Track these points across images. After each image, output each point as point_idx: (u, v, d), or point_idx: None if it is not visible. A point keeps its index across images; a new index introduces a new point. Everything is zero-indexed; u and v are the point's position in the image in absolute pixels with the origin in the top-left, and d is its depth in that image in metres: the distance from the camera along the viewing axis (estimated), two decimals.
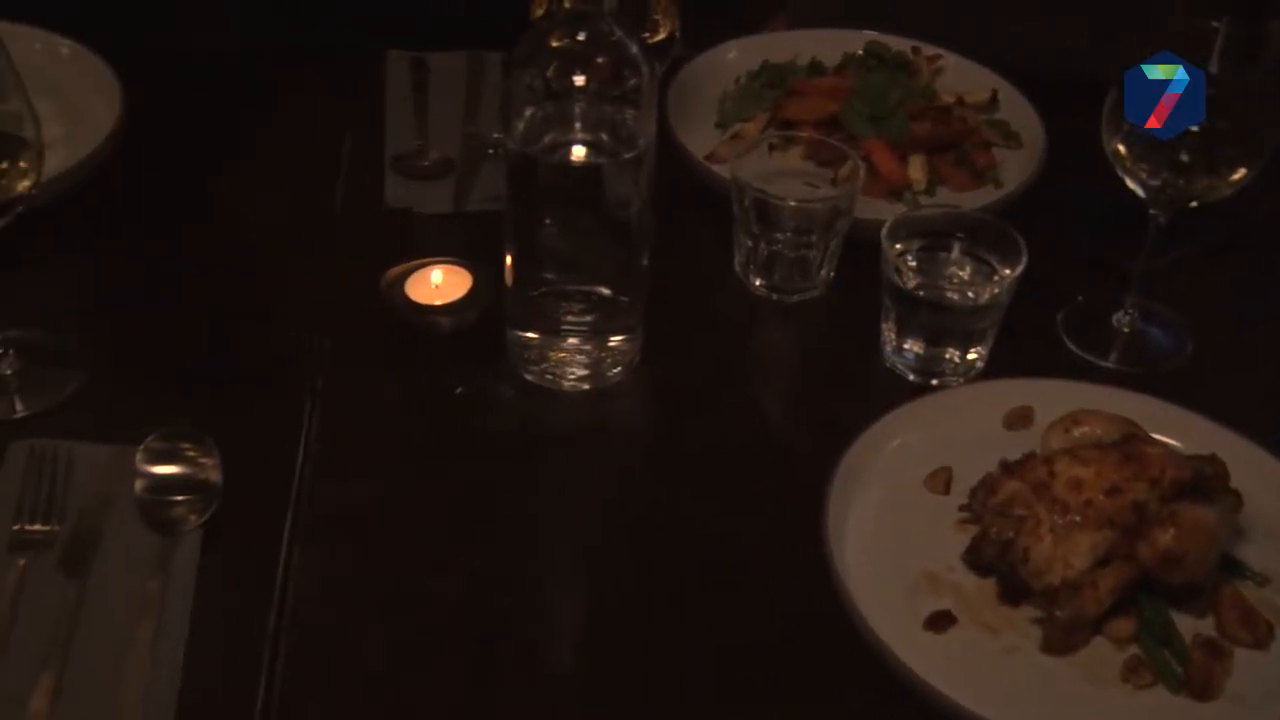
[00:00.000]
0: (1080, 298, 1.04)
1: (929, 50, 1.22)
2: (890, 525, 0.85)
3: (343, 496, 0.86)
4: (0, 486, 0.84)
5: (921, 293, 0.94)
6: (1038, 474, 0.81)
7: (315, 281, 1.01)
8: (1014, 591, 0.81)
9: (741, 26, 1.26)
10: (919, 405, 0.92)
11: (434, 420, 0.92)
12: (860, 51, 1.20)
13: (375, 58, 1.23)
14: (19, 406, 0.90)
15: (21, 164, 0.85)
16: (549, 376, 0.94)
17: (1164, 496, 0.79)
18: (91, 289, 1.02)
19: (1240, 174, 0.92)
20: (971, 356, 0.96)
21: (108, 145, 1.05)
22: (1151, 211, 0.96)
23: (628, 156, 0.87)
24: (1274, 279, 1.10)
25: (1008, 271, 0.94)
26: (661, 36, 1.06)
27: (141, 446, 0.84)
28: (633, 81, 0.85)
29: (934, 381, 0.96)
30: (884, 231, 0.95)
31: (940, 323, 0.94)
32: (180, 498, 0.83)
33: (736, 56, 1.22)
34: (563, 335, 0.93)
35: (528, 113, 0.86)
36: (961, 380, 0.96)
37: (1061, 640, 0.79)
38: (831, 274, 1.03)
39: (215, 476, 0.84)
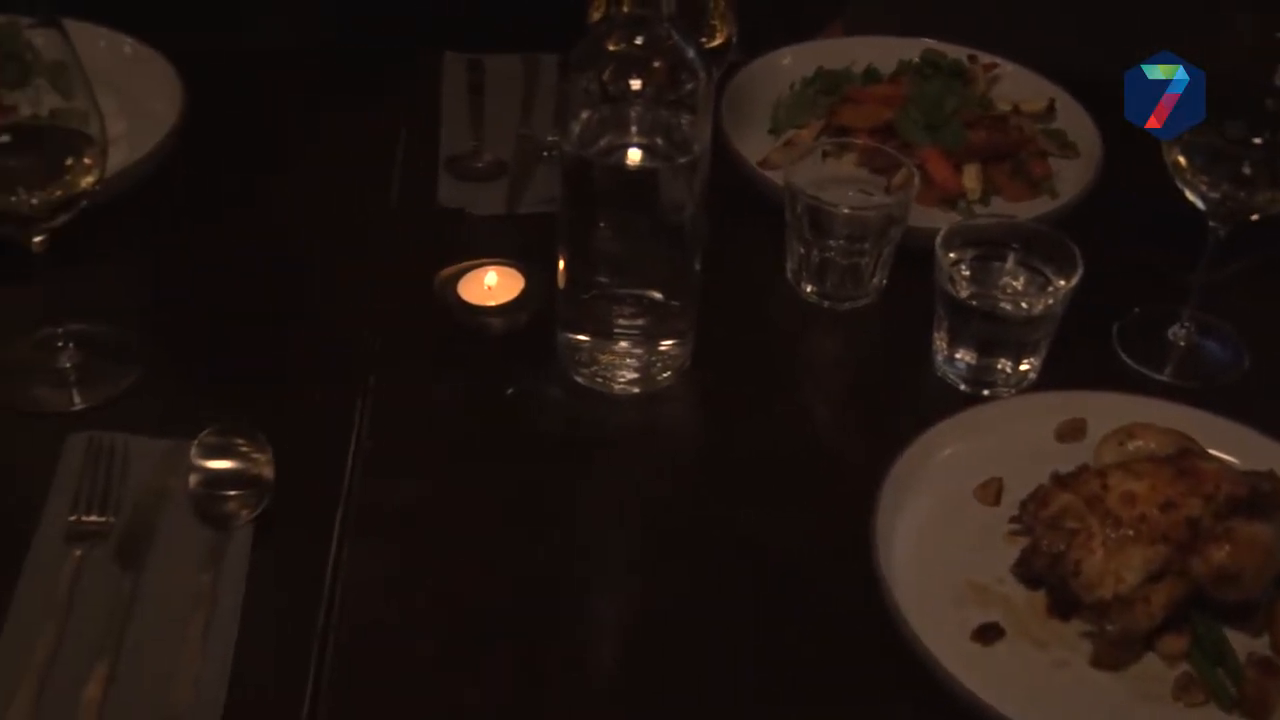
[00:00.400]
0: (1136, 309, 1.03)
1: (986, 58, 1.21)
2: (939, 535, 0.85)
3: (393, 495, 0.87)
4: (58, 478, 0.85)
5: (975, 302, 0.93)
6: (1091, 487, 0.80)
7: (368, 281, 1.02)
8: (1064, 605, 0.80)
9: (797, 33, 1.26)
10: (970, 415, 0.91)
11: (484, 420, 0.93)
12: (916, 59, 1.20)
13: (432, 59, 1.23)
14: (77, 399, 0.91)
15: (86, 160, 0.86)
16: (599, 379, 0.94)
17: (1219, 512, 0.79)
18: (150, 284, 1.04)
19: None
20: (1024, 367, 0.96)
21: (168, 142, 1.07)
22: (1211, 224, 0.95)
23: (682, 161, 0.87)
24: None
25: (1063, 283, 0.94)
26: (718, 41, 1.06)
27: (196, 441, 0.85)
28: (689, 86, 0.85)
29: (985, 392, 0.95)
30: (938, 240, 0.94)
31: (993, 333, 0.94)
32: (233, 493, 0.84)
33: (791, 63, 1.21)
34: (614, 338, 0.93)
35: (584, 116, 0.86)
36: (1013, 391, 0.96)
37: (1112, 655, 0.78)
38: (884, 282, 1.03)
39: (268, 472, 0.85)
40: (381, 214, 1.09)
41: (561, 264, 0.92)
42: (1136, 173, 1.01)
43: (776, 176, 1.05)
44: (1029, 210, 1.07)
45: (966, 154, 1.11)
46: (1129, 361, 0.99)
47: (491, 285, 0.98)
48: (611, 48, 0.85)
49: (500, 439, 0.92)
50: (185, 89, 1.10)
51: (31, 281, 0.90)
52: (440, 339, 0.97)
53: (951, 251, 0.95)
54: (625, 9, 0.83)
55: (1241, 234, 0.95)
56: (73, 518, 0.83)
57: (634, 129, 0.87)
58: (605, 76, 0.85)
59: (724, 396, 0.96)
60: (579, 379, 0.95)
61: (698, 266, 0.92)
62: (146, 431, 0.88)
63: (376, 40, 1.25)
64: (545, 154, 1.13)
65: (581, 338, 0.94)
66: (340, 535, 0.84)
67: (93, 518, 0.83)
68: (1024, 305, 0.94)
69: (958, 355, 0.96)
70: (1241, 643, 0.79)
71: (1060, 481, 0.83)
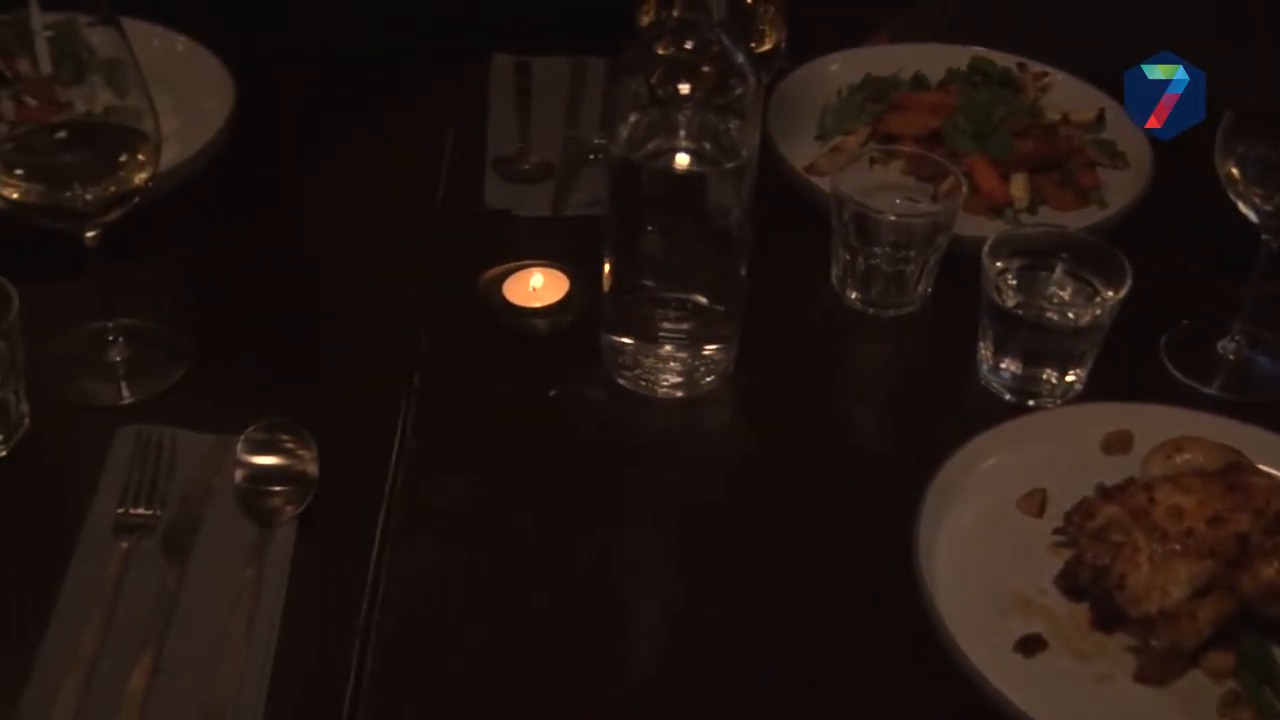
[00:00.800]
0: (1185, 322, 1.02)
1: (1035, 67, 1.20)
2: (982, 545, 0.84)
3: (435, 493, 0.87)
4: (106, 470, 0.86)
5: (1021, 312, 0.93)
6: (1137, 500, 0.80)
7: (414, 280, 1.02)
8: (1108, 618, 0.79)
9: (845, 39, 1.25)
10: (1014, 425, 0.91)
11: (527, 421, 0.93)
12: (965, 66, 1.19)
13: (480, 61, 1.24)
14: (126, 393, 0.92)
15: (140, 157, 0.87)
16: (642, 382, 0.94)
17: (1268, 528, 0.78)
18: (199, 280, 1.05)
19: None
20: (1070, 378, 0.95)
21: (219, 140, 1.08)
22: (1264, 236, 0.94)
23: (730, 166, 0.87)
24: None
25: (1111, 294, 0.93)
26: (767, 47, 1.06)
27: (242, 436, 0.86)
28: (738, 91, 0.85)
29: (1030, 402, 0.95)
30: (985, 249, 0.94)
31: (1039, 343, 0.93)
32: (278, 488, 0.85)
33: (839, 69, 1.21)
34: (658, 342, 0.93)
35: (632, 119, 0.86)
36: (1058, 402, 0.95)
37: (1156, 670, 0.77)
38: (929, 290, 1.02)
39: (312, 469, 0.86)
40: (428, 214, 1.10)
41: (607, 266, 0.92)
42: (1187, 184, 1.00)
43: (822, 183, 1.05)
44: (1077, 220, 1.06)
45: (1014, 163, 1.10)
46: (1177, 374, 0.99)
47: (536, 287, 0.98)
48: (661, 52, 0.85)
49: (542, 440, 0.92)
50: (236, 87, 1.12)
51: (84, 276, 0.91)
52: (484, 340, 0.98)
53: (998, 260, 0.94)
54: (675, 13, 0.83)
55: None
56: (120, 510, 0.83)
57: (682, 133, 0.87)
58: (654, 80, 0.85)
59: (767, 402, 0.96)
60: (622, 382, 0.95)
61: (743, 272, 0.92)
62: (194, 426, 0.89)
63: (425, 41, 1.26)
64: (591, 156, 1.13)
65: (625, 340, 0.94)
66: (383, 532, 0.84)
67: (140, 510, 0.84)
68: (1071, 316, 0.93)
69: (1003, 365, 0.95)
70: None
71: (1106, 494, 0.82)
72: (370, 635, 0.79)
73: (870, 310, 1.02)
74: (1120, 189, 1.11)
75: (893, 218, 0.98)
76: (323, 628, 0.79)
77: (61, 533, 0.82)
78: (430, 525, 0.86)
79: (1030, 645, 0.79)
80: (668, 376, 0.94)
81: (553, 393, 0.95)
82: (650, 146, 0.87)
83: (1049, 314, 0.93)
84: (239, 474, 0.85)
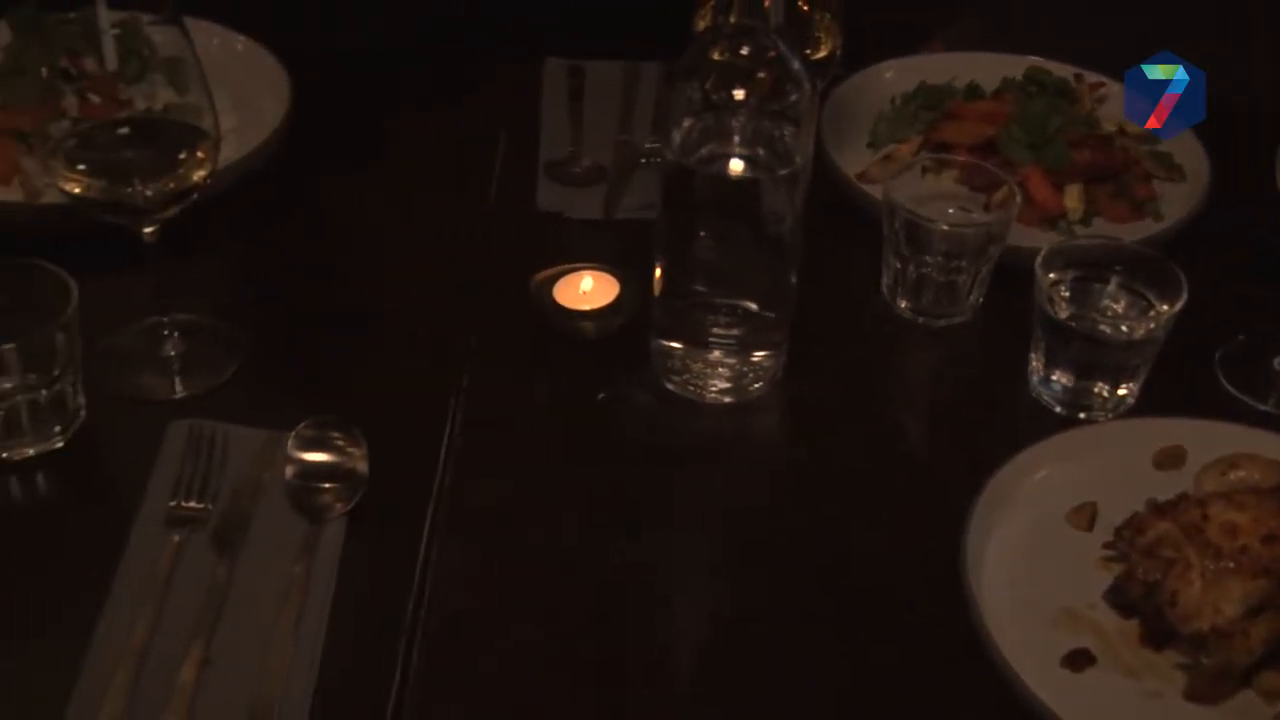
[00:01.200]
0: (1240, 337, 1.01)
1: (1092, 77, 1.20)
2: (1031, 558, 0.83)
3: (483, 494, 0.88)
4: (159, 464, 0.87)
5: (1074, 324, 0.92)
6: (1190, 516, 0.79)
7: (465, 281, 1.03)
8: (1158, 635, 0.79)
9: (900, 47, 1.25)
10: (1066, 438, 0.90)
11: (575, 424, 0.93)
12: (1020, 76, 1.18)
13: (534, 64, 1.25)
14: (180, 387, 0.93)
15: (199, 154, 0.88)
16: (691, 387, 0.94)
17: None
18: (254, 277, 1.06)
19: None
20: (1122, 392, 0.94)
21: (275, 138, 1.09)
22: None
23: (784, 173, 0.87)
24: None
25: (1165, 307, 0.92)
26: (823, 54, 1.06)
27: (293, 433, 0.87)
28: (793, 98, 0.85)
29: (1081, 415, 0.94)
30: (1039, 260, 0.93)
31: (1092, 356, 0.92)
32: (328, 485, 0.85)
33: (893, 77, 1.21)
34: (708, 347, 0.93)
35: (686, 124, 0.86)
36: (1110, 415, 0.94)
37: (1207, 689, 0.76)
38: (980, 300, 1.02)
39: (362, 467, 0.86)
40: (480, 216, 1.10)
41: (658, 271, 0.92)
42: (1244, 197, 0.99)
43: (874, 191, 1.05)
44: (1132, 232, 1.06)
45: (1069, 174, 1.09)
46: (1231, 390, 0.97)
47: (586, 290, 0.98)
48: (716, 57, 0.85)
49: (590, 443, 0.92)
50: (293, 87, 1.13)
51: (141, 271, 0.92)
52: (534, 342, 0.98)
53: (1052, 272, 0.94)
54: (732, 19, 0.83)
55: None
56: (173, 503, 0.84)
57: (736, 139, 0.87)
58: (709, 85, 0.85)
59: (815, 409, 0.96)
60: (670, 386, 0.95)
61: (794, 278, 0.92)
62: (246, 421, 0.89)
63: (479, 44, 1.27)
64: (643, 160, 1.14)
65: (675, 345, 0.94)
66: (430, 531, 0.85)
67: (192, 504, 0.84)
68: (1124, 329, 0.92)
69: (1054, 377, 0.94)
70: None
71: (1158, 509, 0.81)
72: (416, 633, 0.79)
73: (921, 319, 1.02)
74: (1176, 201, 1.10)
75: (945, 227, 0.98)
76: (369, 625, 0.80)
77: (115, 524, 0.83)
78: (477, 525, 0.86)
79: (1078, 660, 0.78)
80: (716, 382, 0.94)
81: (601, 396, 0.95)
82: (704, 151, 0.87)
83: (1102, 326, 0.92)
84: (289, 470, 0.86)
